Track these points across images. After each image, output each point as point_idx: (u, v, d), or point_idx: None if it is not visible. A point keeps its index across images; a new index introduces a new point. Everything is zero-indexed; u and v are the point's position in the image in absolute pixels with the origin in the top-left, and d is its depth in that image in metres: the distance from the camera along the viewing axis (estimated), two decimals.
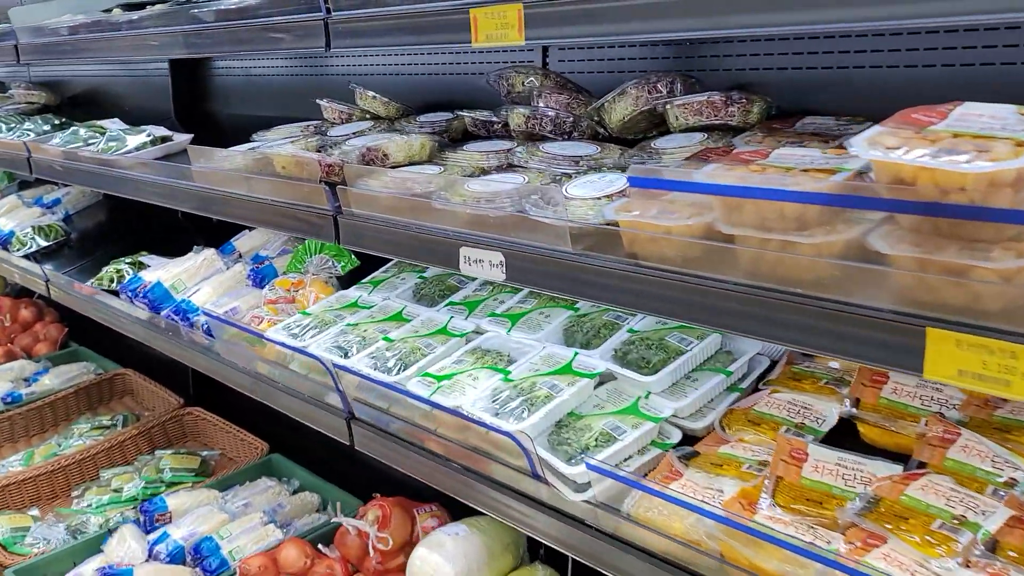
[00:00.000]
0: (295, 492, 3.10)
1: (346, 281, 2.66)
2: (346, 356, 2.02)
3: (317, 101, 2.76)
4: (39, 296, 4.44)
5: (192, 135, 3.09)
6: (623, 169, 1.66)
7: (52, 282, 3.48)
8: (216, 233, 3.82)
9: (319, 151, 2.31)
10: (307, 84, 3.49)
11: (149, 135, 3.02)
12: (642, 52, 2.16)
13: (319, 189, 2.01)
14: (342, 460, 2.82)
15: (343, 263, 2.68)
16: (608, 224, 1.44)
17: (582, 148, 1.84)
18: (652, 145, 1.77)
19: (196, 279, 2.98)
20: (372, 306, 2.24)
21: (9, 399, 3.87)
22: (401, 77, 3.02)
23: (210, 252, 3.05)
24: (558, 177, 1.72)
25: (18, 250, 3.78)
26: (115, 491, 3.31)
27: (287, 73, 3.66)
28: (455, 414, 1.68)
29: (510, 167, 1.87)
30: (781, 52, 1.92)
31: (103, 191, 2.93)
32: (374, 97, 2.59)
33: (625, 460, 1.58)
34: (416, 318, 2.09)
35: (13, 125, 3.85)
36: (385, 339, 2.03)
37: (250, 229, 3.34)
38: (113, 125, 3.38)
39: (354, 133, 2.48)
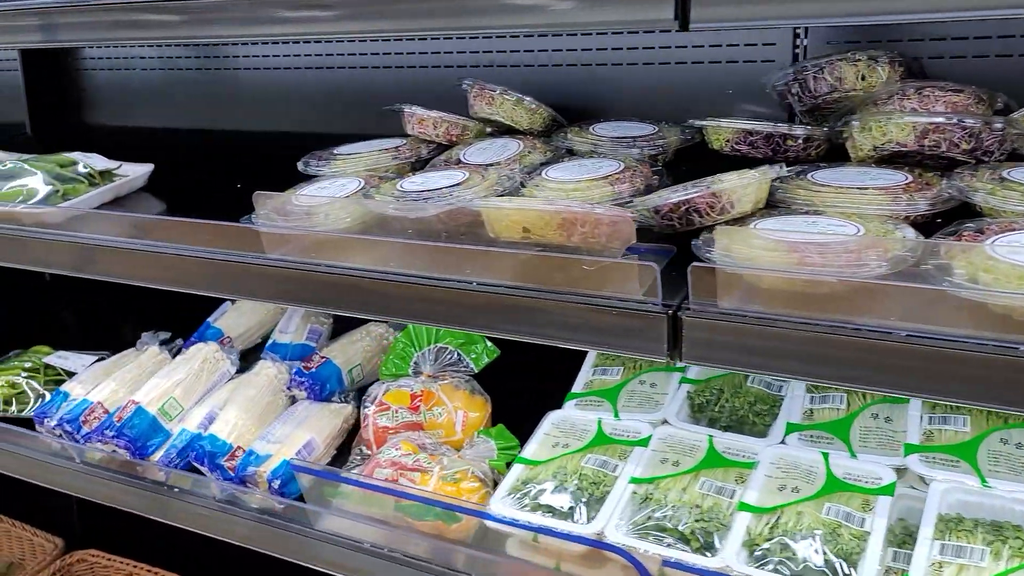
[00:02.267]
0: None
1: (487, 382, 1.74)
2: (697, 546, 1.17)
3: (400, 108, 1.80)
4: None
5: (151, 166, 1.95)
6: None
7: None
8: (117, 303, 2.63)
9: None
10: (206, 82, 2.49)
11: (86, 167, 1.84)
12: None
13: (633, 268, 1.14)
14: None
15: (475, 355, 1.76)
16: None
17: None
18: None
19: (196, 394, 1.88)
20: (642, 439, 1.38)
21: None
22: (338, 72, 2.22)
23: (209, 348, 1.95)
24: None
25: None
26: None
27: (170, 67, 2.59)
28: None
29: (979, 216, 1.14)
30: None
31: (39, 268, 1.72)
32: (519, 101, 1.70)
33: None
34: (761, 461, 1.28)
35: None
36: (745, 508, 1.21)
37: (232, 301, 2.25)
38: None
39: (516, 157, 1.58)
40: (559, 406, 1.63)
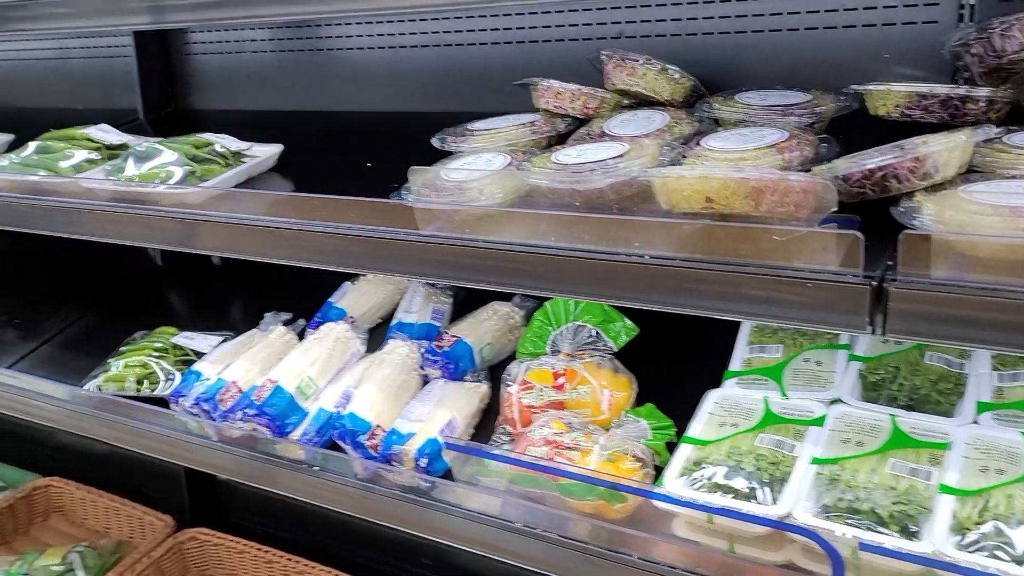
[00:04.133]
0: None
1: (628, 359, 1.70)
2: (896, 530, 1.12)
3: (534, 82, 1.75)
4: None
5: (281, 146, 1.95)
6: None
7: None
8: (227, 281, 2.66)
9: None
10: (312, 64, 2.49)
11: (221, 148, 1.85)
12: None
13: (831, 237, 1.08)
14: None
15: (614, 334, 1.72)
16: None
17: None
18: None
19: (329, 373, 1.88)
20: (816, 419, 1.32)
21: None
22: (422, 51, 2.23)
23: (340, 328, 1.95)
24: None
25: None
26: None
27: (276, 49, 2.58)
28: None
29: None
30: None
31: (180, 249, 1.73)
32: (663, 70, 1.64)
33: None
34: (956, 442, 1.20)
35: None
36: (948, 490, 1.14)
37: (352, 280, 2.25)
38: (108, 135, 2.14)
39: (664, 128, 1.53)
40: (702, 385, 1.58)
